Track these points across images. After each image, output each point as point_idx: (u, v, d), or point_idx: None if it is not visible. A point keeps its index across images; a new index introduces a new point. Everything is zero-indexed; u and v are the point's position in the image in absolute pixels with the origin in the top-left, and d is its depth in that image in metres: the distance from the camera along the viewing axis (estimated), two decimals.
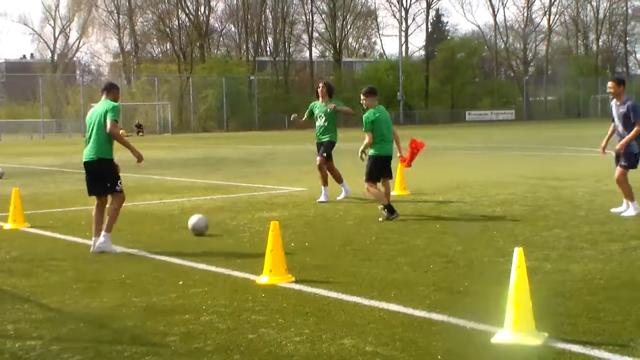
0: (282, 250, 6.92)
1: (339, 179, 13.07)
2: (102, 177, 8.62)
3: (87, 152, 8.64)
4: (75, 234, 9.88)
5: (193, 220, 9.57)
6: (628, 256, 7.73)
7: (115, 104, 8.64)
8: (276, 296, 6.34)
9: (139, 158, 8.81)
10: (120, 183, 8.68)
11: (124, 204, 8.93)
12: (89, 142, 8.63)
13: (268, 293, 6.45)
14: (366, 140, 10.61)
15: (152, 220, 11.13)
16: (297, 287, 6.64)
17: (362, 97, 10.96)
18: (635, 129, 10.10)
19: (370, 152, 10.70)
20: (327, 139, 12.92)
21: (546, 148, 28.01)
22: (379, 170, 10.67)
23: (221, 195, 14.18)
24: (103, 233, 8.52)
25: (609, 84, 10.54)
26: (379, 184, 10.75)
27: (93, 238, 8.60)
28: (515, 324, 4.96)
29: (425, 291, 6.39)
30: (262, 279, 6.85)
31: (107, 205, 8.75)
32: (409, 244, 8.68)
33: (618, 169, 10.49)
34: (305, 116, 13.34)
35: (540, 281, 6.51)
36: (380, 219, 10.40)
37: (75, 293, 6.65)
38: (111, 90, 8.82)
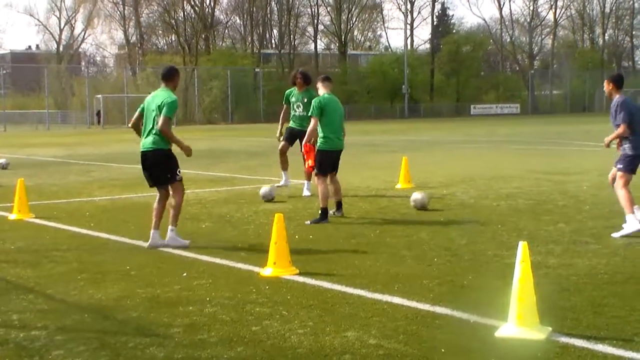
0: (286, 243, 6.92)
1: (286, 167, 13.50)
2: (161, 167, 8.26)
3: (145, 142, 8.26)
4: (79, 225, 9.90)
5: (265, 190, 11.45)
6: (632, 250, 7.72)
7: (174, 97, 8.21)
8: (280, 288, 6.35)
9: (188, 152, 8.37)
10: (179, 172, 8.32)
11: (184, 196, 8.53)
12: (146, 131, 8.25)
13: (272, 285, 6.46)
14: (311, 125, 10.11)
15: None
16: (301, 279, 6.64)
17: (318, 83, 10.52)
18: (618, 130, 8.97)
19: (321, 146, 10.05)
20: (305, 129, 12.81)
21: (551, 142, 27.96)
22: (329, 165, 10.10)
23: (225, 188, 14.19)
24: (170, 227, 8.15)
25: (604, 83, 9.49)
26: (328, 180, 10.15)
27: (152, 231, 8.23)
28: (519, 318, 4.96)
29: (429, 284, 6.40)
30: (266, 271, 6.85)
31: (170, 199, 8.35)
32: (413, 237, 8.68)
33: (618, 173, 9.10)
34: (284, 105, 13.29)
35: (545, 275, 6.51)
36: (308, 222, 9.80)
37: (79, 284, 6.67)
38: (172, 77, 8.38)
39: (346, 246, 8.25)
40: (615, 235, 8.57)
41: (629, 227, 8.60)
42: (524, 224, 9.45)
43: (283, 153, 13.18)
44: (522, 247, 5.04)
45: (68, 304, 6.02)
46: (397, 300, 5.89)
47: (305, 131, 12.18)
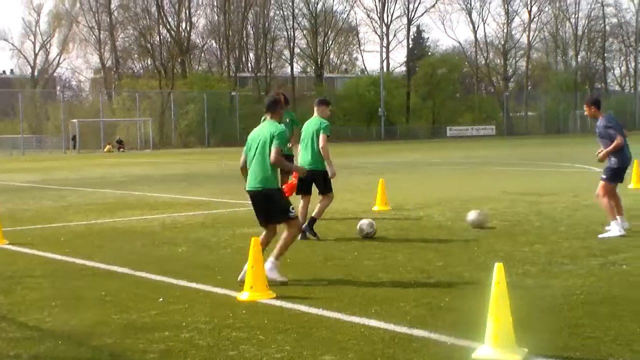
0: (263, 267, 6.90)
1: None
2: (272, 208, 7.64)
3: (251, 180, 7.69)
4: (54, 250, 9.80)
5: (472, 215, 10.79)
6: (607, 271, 7.78)
7: (282, 128, 7.71)
8: (257, 313, 6.32)
9: (302, 172, 8.24)
10: (292, 208, 7.69)
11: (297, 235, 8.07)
12: (252, 167, 7.70)
13: (249, 309, 6.43)
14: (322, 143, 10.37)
15: (132, 237, 11.07)
16: (278, 303, 6.62)
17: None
18: (615, 142, 10.07)
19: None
20: (291, 154, 12.57)
21: (526, 164, 28.17)
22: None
23: (202, 212, 14.14)
24: (270, 259, 7.52)
25: (585, 107, 10.61)
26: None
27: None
28: (495, 340, 4.97)
29: (407, 307, 6.40)
30: (243, 296, 6.82)
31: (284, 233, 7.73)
32: (390, 259, 8.68)
33: (600, 183, 10.39)
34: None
35: (521, 296, 6.54)
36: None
37: (54, 310, 6.59)
38: (275, 108, 7.86)
39: (323, 269, 8.23)
40: (600, 236, 9.83)
41: (612, 232, 9.89)
42: (500, 246, 9.49)
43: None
44: (498, 268, 5.07)
45: (42, 331, 5.94)
46: (374, 323, 5.88)
47: (287, 154, 12.51)
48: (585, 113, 10.69)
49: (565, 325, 5.73)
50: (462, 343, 5.30)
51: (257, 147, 7.64)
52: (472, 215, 10.95)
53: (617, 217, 10.12)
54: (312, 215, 10.51)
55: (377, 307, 6.41)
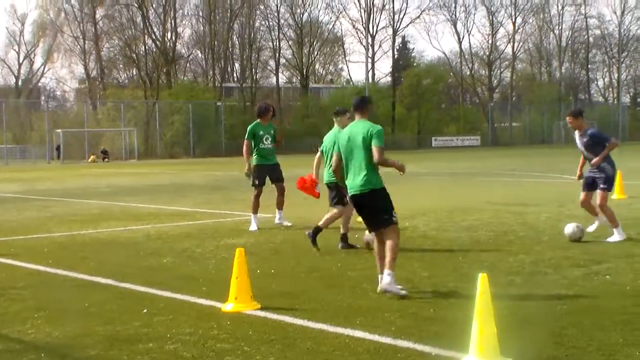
0: (248, 277, 6.89)
1: (283, 204, 13.10)
2: (379, 209, 7.51)
3: (354, 184, 7.46)
4: (37, 261, 9.74)
5: (570, 229, 10.37)
6: (590, 281, 7.82)
7: (380, 127, 7.55)
8: (241, 324, 6.30)
9: (403, 170, 7.81)
10: (395, 213, 7.58)
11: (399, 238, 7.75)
12: (352, 170, 7.48)
13: (233, 321, 6.41)
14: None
15: (116, 248, 11.02)
16: (263, 314, 6.60)
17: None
18: (611, 144, 10.60)
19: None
20: (276, 162, 12.96)
21: (510, 174, 28.29)
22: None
23: (187, 222, 14.10)
24: (386, 272, 7.28)
25: (567, 118, 10.90)
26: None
27: (379, 276, 7.49)
28: (480, 350, 4.98)
29: (391, 317, 6.40)
30: (228, 307, 6.80)
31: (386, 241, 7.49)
32: (375, 270, 8.65)
33: (600, 193, 10.71)
34: (247, 140, 12.73)
35: (505, 307, 6.55)
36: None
37: (37, 322, 6.54)
38: (365, 107, 7.70)
39: (308, 280, 8.23)
40: (608, 240, 10.40)
41: (615, 237, 10.46)
42: (485, 256, 9.52)
43: (259, 196, 12.76)
44: (482, 278, 5.08)
45: (24, 343, 5.90)
46: (358, 333, 5.88)
47: (272, 165, 12.81)
48: (570, 124, 10.90)
49: (550, 335, 5.75)
50: (447, 353, 5.31)
51: (353, 148, 7.44)
52: (570, 228, 10.55)
53: (597, 219, 11.05)
54: (319, 224, 10.34)
55: (361, 317, 6.41)
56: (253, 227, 12.62)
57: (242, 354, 5.44)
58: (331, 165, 9.10)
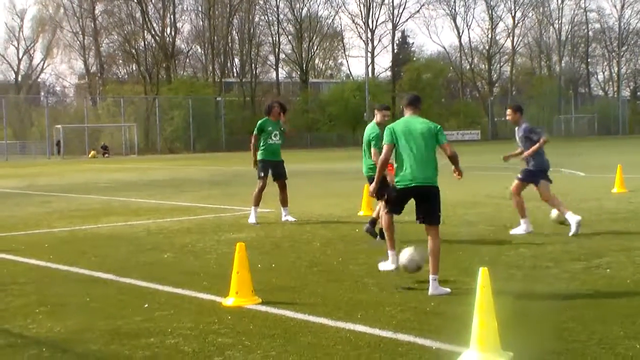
0: (249, 272, 6.89)
1: (287, 201, 13.01)
2: (438, 204, 7.58)
3: (422, 175, 7.44)
4: (38, 257, 9.74)
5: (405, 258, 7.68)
6: (591, 275, 7.82)
7: (439, 125, 7.74)
8: (242, 318, 6.31)
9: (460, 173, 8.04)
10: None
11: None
12: (417, 163, 7.42)
13: (234, 315, 6.42)
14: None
15: (117, 243, 11.03)
16: (264, 308, 6.61)
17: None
18: (541, 140, 10.99)
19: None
20: (281, 159, 12.97)
21: (510, 168, 28.26)
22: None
23: (187, 217, 14.11)
24: (433, 277, 7.16)
25: (507, 111, 11.33)
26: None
27: (389, 253, 8.15)
28: (480, 344, 4.99)
29: (392, 311, 6.41)
30: (228, 301, 6.81)
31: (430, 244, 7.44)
32: (376, 264, 8.68)
33: (515, 182, 11.41)
34: (255, 134, 12.79)
35: (506, 301, 6.55)
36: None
37: (38, 317, 6.55)
38: (420, 104, 7.83)
39: (308, 274, 8.23)
40: (513, 231, 10.88)
41: (520, 228, 10.92)
42: (486, 250, 9.53)
43: (262, 190, 12.75)
44: (483, 272, 5.09)
45: (26, 338, 5.91)
46: (359, 327, 5.89)
47: (277, 161, 12.84)
48: (508, 117, 11.32)
49: (550, 328, 5.76)
50: (448, 347, 5.32)
51: (418, 141, 7.43)
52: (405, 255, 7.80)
53: (553, 211, 11.45)
54: (373, 215, 10.41)
55: (362, 311, 6.42)
56: (252, 219, 12.67)
57: (243, 348, 5.45)
58: (371, 156, 9.68)
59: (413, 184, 7.43)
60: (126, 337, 5.83)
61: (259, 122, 12.97)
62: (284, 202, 12.97)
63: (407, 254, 7.61)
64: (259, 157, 12.82)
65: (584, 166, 27.35)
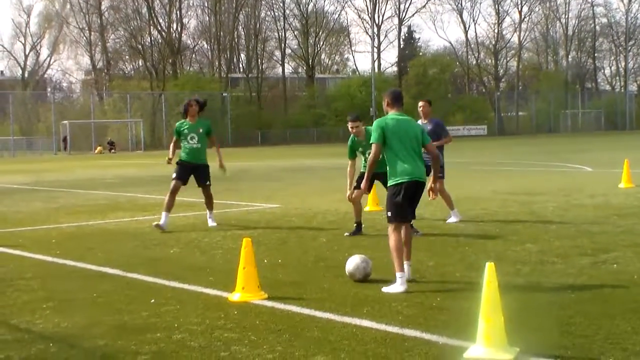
0: (255, 267, 6.89)
1: (212, 205, 12.23)
2: (419, 199, 7.76)
3: (417, 171, 7.45)
4: (45, 252, 9.77)
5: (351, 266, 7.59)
6: (598, 270, 7.80)
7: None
8: (249, 313, 6.31)
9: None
10: None
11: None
12: (410, 157, 7.40)
13: (240, 310, 6.42)
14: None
15: (124, 238, 11.05)
16: (270, 304, 6.61)
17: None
18: (446, 139, 11.56)
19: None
20: (203, 162, 12.10)
21: (517, 163, 28.24)
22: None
23: (194, 213, 14.12)
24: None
25: (421, 103, 11.67)
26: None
27: (405, 264, 7.47)
28: (487, 339, 4.98)
29: (398, 307, 6.40)
30: (235, 296, 6.82)
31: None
32: (382, 260, 8.67)
33: (441, 181, 11.34)
34: (175, 138, 12.25)
35: (512, 296, 6.54)
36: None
37: (45, 312, 6.57)
38: (402, 101, 7.92)
39: (315, 270, 8.23)
40: (448, 221, 11.54)
41: (453, 218, 11.63)
42: (492, 245, 9.51)
43: (175, 191, 11.91)
44: (489, 267, 5.08)
45: (33, 334, 5.92)
46: (366, 323, 5.89)
47: (197, 164, 11.92)
48: (421, 109, 11.62)
49: (557, 324, 5.74)
50: (454, 342, 5.31)
51: (411, 138, 7.43)
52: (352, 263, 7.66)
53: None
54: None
55: (368, 307, 6.41)
56: (163, 223, 11.53)
57: (249, 343, 5.45)
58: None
59: (413, 179, 7.40)
60: (133, 332, 5.84)
61: (177, 124, 12.26)
62: (209, 206, 12.18)
63: (354, 262, 7.56)
64: (178, 158, 12.07)
65: (591, 161, 27.28)
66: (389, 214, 7.43)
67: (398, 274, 7.09)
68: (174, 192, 11.88)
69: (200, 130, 11.96)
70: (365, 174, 8.08)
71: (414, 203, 7.62)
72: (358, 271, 7.49)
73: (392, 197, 7.41)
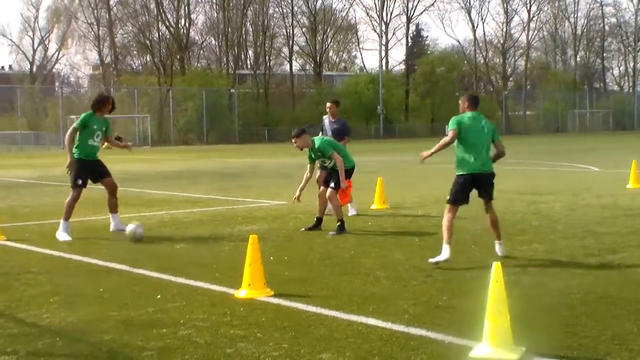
0: (261, 264, 6.90)
1: (115, 208, 11.37)
2: (492, 189, 8.89)
3: (481, 164, 8.56)
4: (52, 247, 9.80)
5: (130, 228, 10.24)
6: (604, 270, 7.79)
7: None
8: (255, 310, 6.32)
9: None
10: None
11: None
12: (481, 152, 8.55)
13: (246, 307, 6.43)
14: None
15: None
16: (276, 301, 6.62)
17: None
18: (347, 138, 12.62)
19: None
20: (98, 158, 11.26)
21: (524, 163, 28.17)
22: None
23: (200, 209, 14.14)
24: (498, 242, 8.69)
25: (328, 104, 12.92)
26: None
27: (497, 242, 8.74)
28: (493, 338, 4.98)
29: (404, 305, 6.40)
30: (241, 293, 6.82)
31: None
32: (388, 257, 8.69)
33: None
34: (76, 129, 10.93)
35: (518, 295, 6.54)
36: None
37: (52, 307, 6.59)
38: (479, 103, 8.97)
39: (321, 267, 8.24)
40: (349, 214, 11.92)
41: (352, 211, 12.43)
42: None
43: (77, 199, 10.98)
44: (496, 267, 5.07)
45: (39, 328, 5.94)
46: (371, 321, 5.89)
47: (96, 161, 11.03)
48: (328, 109, 12.75)
49: (563, 324, 5.74)
50: (460, 342, 5.31)
51: (484, 136, 8.54)
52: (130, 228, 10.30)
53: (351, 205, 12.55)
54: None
55: (374, 305, 6.42)
56: (63, 236, 10.51)
57: (255, 340, 5.46)
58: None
59: (477, 171, 8.50)
60: (139, 327, 5.85)
61: (83, 115, 10.91)
62: (113, 207, 11.32)
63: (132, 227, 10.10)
64: (75, 156, 10.80)
65: (598, 161, 27.20)
66: (448, 197, 8.65)
67: (444, 246, 8.17)
68: (76, 199, 10.95)
69: (104, 128, 11.04)
70: (432, 151, 8.82)
71: (483, 191, 8.74)
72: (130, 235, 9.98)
73: (455, 185, 8.62)
